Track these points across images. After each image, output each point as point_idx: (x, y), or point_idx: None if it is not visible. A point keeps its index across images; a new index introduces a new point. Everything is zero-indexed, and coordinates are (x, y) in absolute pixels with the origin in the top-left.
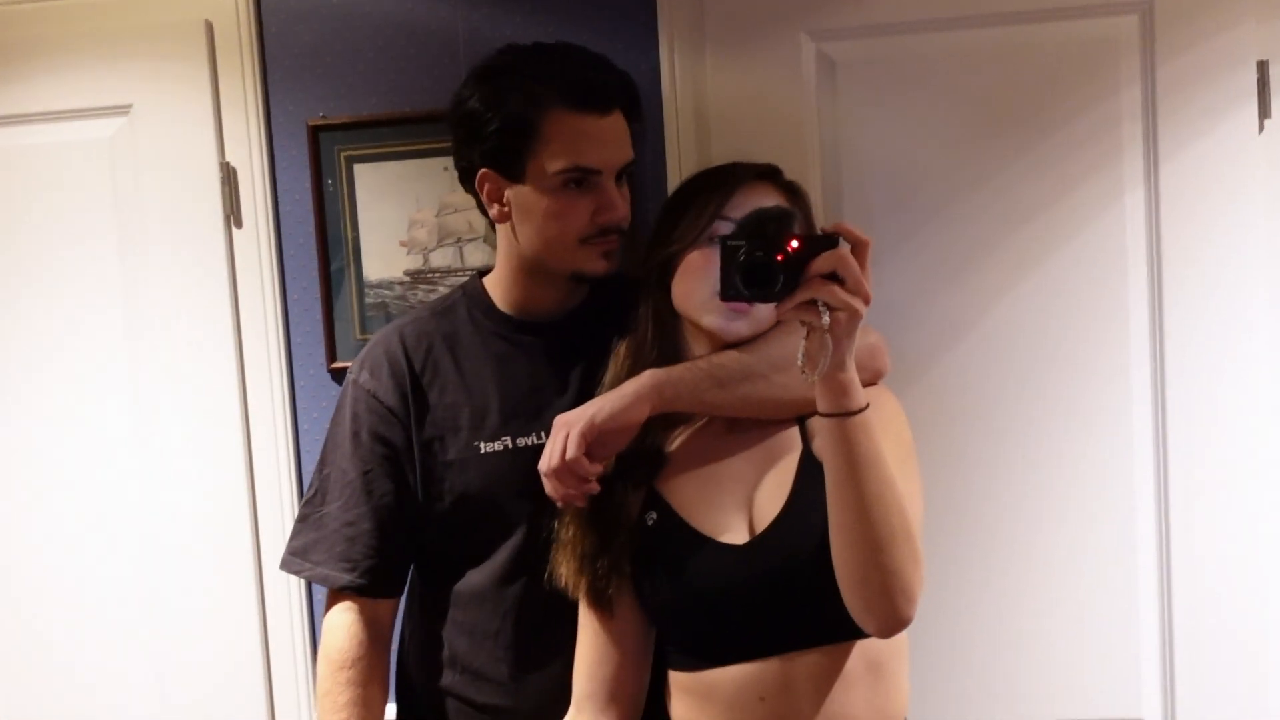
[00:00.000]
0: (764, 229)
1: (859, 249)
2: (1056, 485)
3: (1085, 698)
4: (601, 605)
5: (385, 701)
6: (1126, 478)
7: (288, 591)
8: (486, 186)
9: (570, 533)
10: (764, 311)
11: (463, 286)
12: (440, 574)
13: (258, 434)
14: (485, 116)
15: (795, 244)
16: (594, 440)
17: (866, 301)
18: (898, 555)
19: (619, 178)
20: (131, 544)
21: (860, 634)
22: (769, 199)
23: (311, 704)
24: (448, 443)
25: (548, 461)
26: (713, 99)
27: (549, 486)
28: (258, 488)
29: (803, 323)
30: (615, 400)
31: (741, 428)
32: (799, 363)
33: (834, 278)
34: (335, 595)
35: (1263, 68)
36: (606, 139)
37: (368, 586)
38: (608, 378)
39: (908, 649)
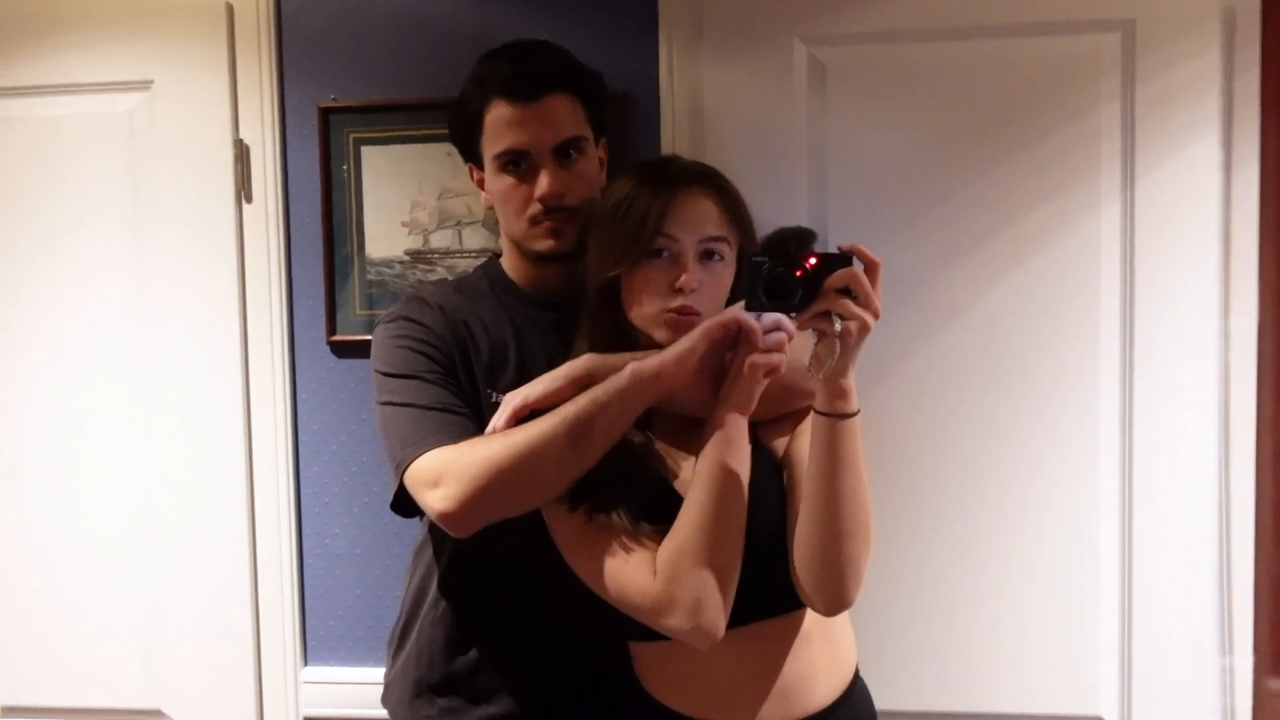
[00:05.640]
0: (786, 247)
1: (870, 269)
2: (1023, 481)
3: (1042, 693)
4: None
5: None
6: (1092, 477)
7: (280, 567)
8: (472, 173)
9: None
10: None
11: (483, 266)
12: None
13: (258, 404)
14: (453, 111)
15: (813, 261)
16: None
17: (876, 315)
18: (857, 546)
19: (565, 155)
20: (134, 513)
21: None
22: (705, 204)
23: (299, 670)
24: (462, 384)
25: (490, 426)
26: (708, 97)
27: None
28: (255, 457)
29: (815, 330)
30: (549, 381)
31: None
32: (807, 364)
33: (846, 292)
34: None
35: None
36: (533, 122)
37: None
38: None
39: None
